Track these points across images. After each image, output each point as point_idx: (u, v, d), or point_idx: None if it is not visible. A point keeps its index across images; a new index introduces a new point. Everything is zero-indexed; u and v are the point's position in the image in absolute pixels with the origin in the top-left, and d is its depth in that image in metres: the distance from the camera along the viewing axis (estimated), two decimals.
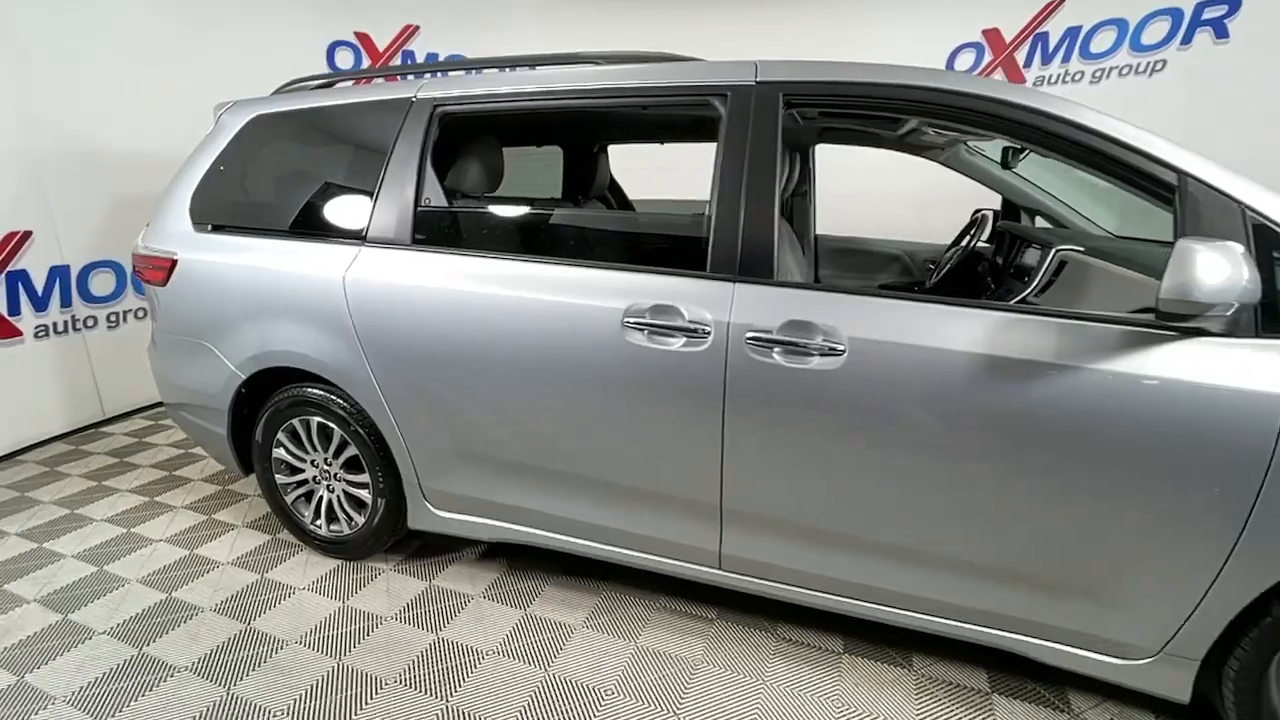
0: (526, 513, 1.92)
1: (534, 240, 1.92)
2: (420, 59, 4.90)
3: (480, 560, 2.27)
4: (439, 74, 2.12)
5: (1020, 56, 4.53)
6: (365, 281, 1.90)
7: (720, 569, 1.75)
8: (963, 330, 1.38)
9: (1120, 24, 4.06)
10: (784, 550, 1.65)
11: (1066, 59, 4.34)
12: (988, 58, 4.64)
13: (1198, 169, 1.28)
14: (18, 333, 3.13)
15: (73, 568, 2.22)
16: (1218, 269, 1.11)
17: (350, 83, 2.28)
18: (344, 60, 4.64)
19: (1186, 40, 3.83)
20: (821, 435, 1.50)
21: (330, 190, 2.07)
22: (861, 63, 1.54)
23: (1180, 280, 1.12)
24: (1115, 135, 1.33)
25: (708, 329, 1.54)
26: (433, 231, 1.90)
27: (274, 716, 1.60)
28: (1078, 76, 4.30)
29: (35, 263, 3.18)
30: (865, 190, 4.02)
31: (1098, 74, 4.21)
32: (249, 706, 1.63)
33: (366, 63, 4.73)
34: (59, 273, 3.29)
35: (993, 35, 4.58)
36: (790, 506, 1.60)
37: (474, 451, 1.90)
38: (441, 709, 1.63)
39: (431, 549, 2.32)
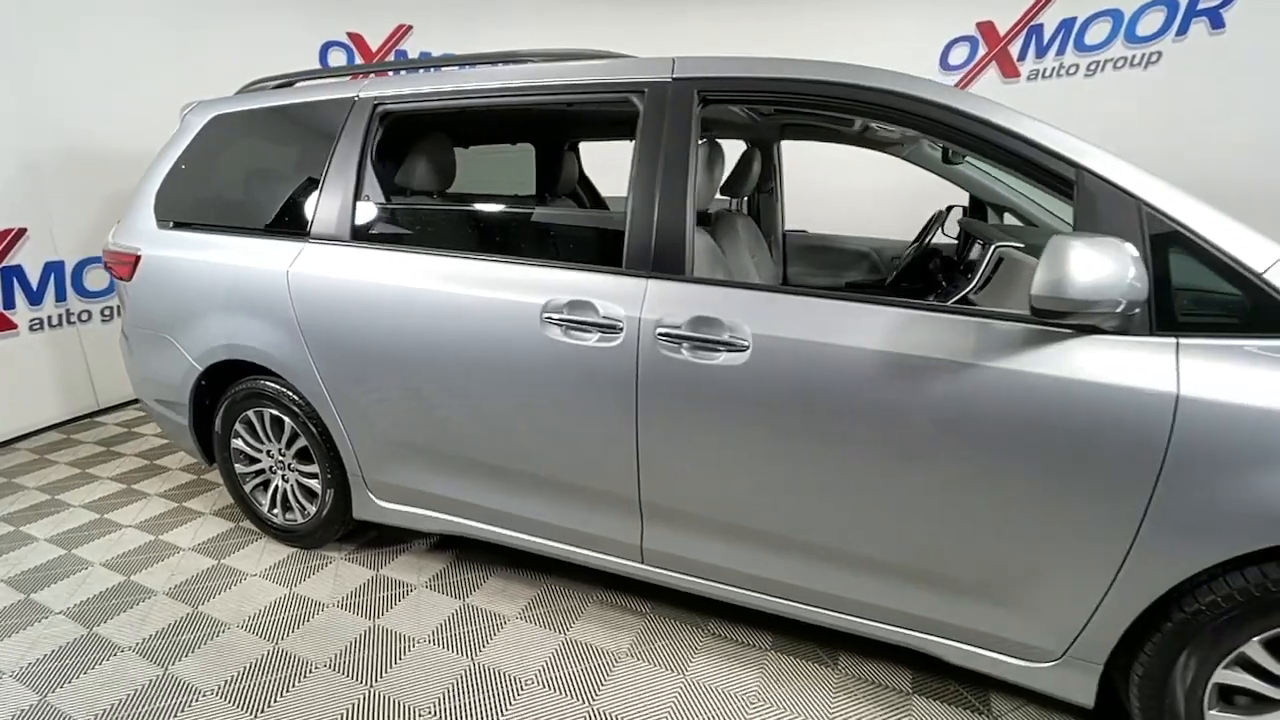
0: (461, 504, 1.96)
1: (463, 237, 1.94)
2: (414, 57, 4.97)
3: (430, 551, 2.31)
4: (401, 72, 2.16)
5: (1014, 49, 4.44)
6: (307, 276, 1.95)
7: (643, 563, 1.76)
8: (863, 327, 1.38)
9: (1115, 15, 3.95)
10: (701, 545, 1.66)
11: (1061, 51, 4.23)
12: (981, 51, 4.56)
13: (1095, 164, 1.25)
14: (13, 326, 3.26)
15: (44, 550, 2.32)
16: (1092, 266, 1.09)
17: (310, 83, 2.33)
18: (337, 60, 4.73)
19: (1182, 31, 3.71)
20: (729, 432, 1.51)
21: (281, 187, 2.12)
22: (777, 58, 1.54)
23: (1052, 277, 1.10)
24: (1016, 130, 1.31)
25: (620, 325, 1.55)
26: (370, 228, 1.94)
27: (204, 696, 1.66)
28: (1072, 70, 4.20)
29: (30, 258, 3.31)
30: (868, 187, 4.00)
31: (1093, 67, 4.11)
32: (182, 686, 1.69)
33: (360, 62, 4.82)
34: (54, 268, 3.42)
35: (987, 28, 4.50)
36: (703, 502, 1.61)
37: (409, 443, 1.94)
38: (365, 693, 1.67)
39: (385, 540, 2.37)
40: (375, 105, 1.95)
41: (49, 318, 3.41)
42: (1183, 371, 1.16)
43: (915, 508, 1.39)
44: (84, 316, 3.57)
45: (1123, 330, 1.21)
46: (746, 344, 1.44)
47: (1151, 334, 1.20)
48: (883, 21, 4.78)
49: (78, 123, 3.41)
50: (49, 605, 2.01)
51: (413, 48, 4.98)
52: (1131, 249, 1.12)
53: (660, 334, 1.51)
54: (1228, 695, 1.29)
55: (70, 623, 1.94)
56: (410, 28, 4.92)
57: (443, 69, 2.05)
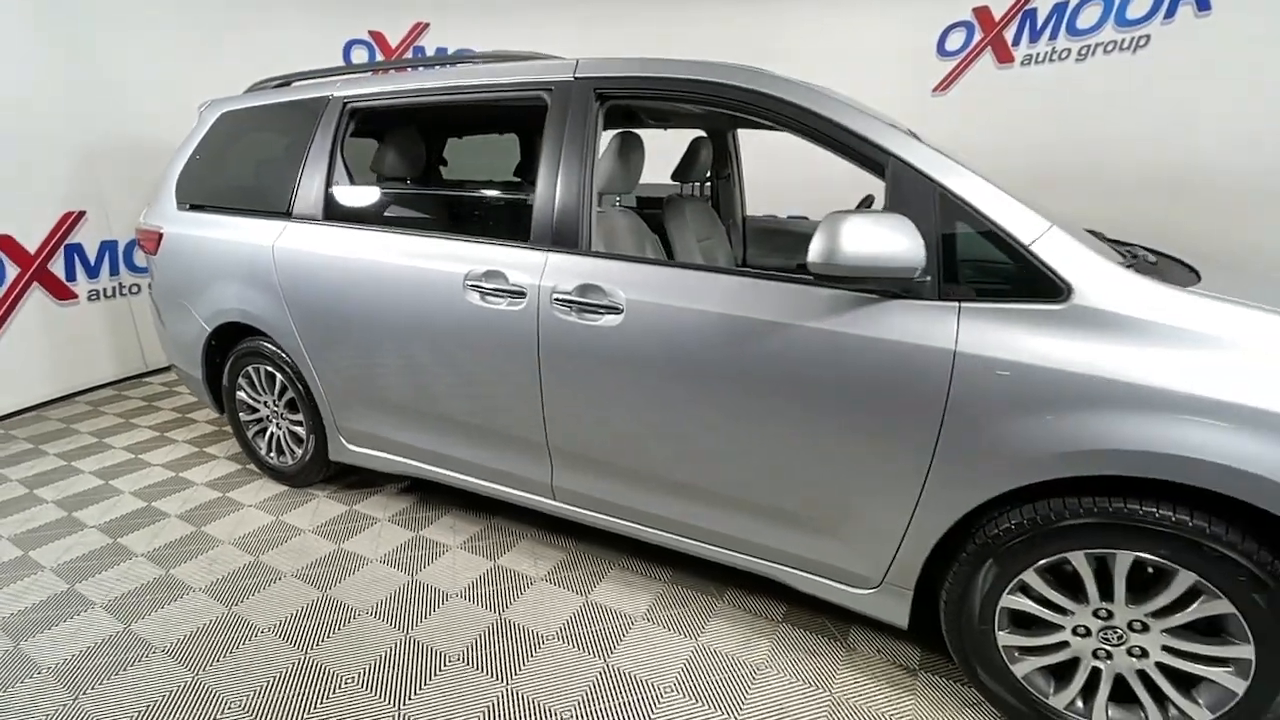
0: (411, 449, 2.27)
1: (408, 216, 2.22)
2: (431, 54, 5.31)
3: (400, 493, 2.65)
4: (380, 72, 2.45)
5: (1009, 35, 4.43)
6: (287, 250, 2.29)
7: (554, 500, 2.03)
8: (715, 293, 1.59)
9: None
10: (599, 484, 1.92)
11: (1054, 36, 4.22)
12: (978, 36, 4.57)
13: (901, 150, 1.43)
14: (74, 296, 3.78)
15: (87, 480, 2.77)
16: (861, 238, 1.28)
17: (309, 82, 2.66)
18: (360, 58, 5.12)
19: (1170, 14, 3.67)
20: (610, 384, 1.75)
21: (273, 174, 2.45)
22: (664, 59, 1.75)
23: (825, 246, 1.30)
24: (842, 122, 1.49)
25: (525, 291, 1.82)
26: (337, 208, 2.26)
27: (192, 591, 2.03)
28: (1064, 54, 4.18)
29: (88, 238, 3.81)
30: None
31: (1084, 51, 4.09)
32: (178, 583, 2.07)
33: (380, 59, 5.19)
34: (108, 246, 3.92)
35: (983, 14, 4.51)
36: (596, 446, 1.86)
37: (368, 395, 2.26)
38: (319, 597, 2.01)
39: (364, 482, 2.72)
40: (345, 103, 2.27)
41: (104, 290, 3.92)
42: (961, 331, 1.35)
43: (756, 451, 1.61)
44: (134, 289, 4.07)
45: (917, 295, 1.39)
46: (622, 307, 1.69)
47: (939, 299, 1.38)
48: (882, 9, 4.84)
49: (129, 119, 3.88)
50: (85, 521, 2.44)
51: (430, 43, 5.32)
52: (907, 224, 1.31)
53: (555, 299, 1.77)
54: (1017, 619, 1.47)
55: (98, 534, 2.35)
56: (427, 25, 5.26)
57: (406, 70, 2.33)
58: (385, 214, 2.31)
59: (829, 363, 1.46)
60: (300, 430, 2.55)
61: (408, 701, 1.61)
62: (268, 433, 2.68)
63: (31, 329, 3.59)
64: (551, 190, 1.82)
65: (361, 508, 2.53)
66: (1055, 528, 1.33)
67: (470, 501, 2.52)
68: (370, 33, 5.11)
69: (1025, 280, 1.33)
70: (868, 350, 1.42)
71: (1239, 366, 1.18)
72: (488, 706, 1.59)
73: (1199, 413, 1.18)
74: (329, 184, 2.26)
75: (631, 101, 1.84)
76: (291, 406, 2.55)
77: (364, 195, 2.26)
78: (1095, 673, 1.41)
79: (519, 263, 1.84)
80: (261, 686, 1.66)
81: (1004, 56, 4.49)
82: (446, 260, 1.96)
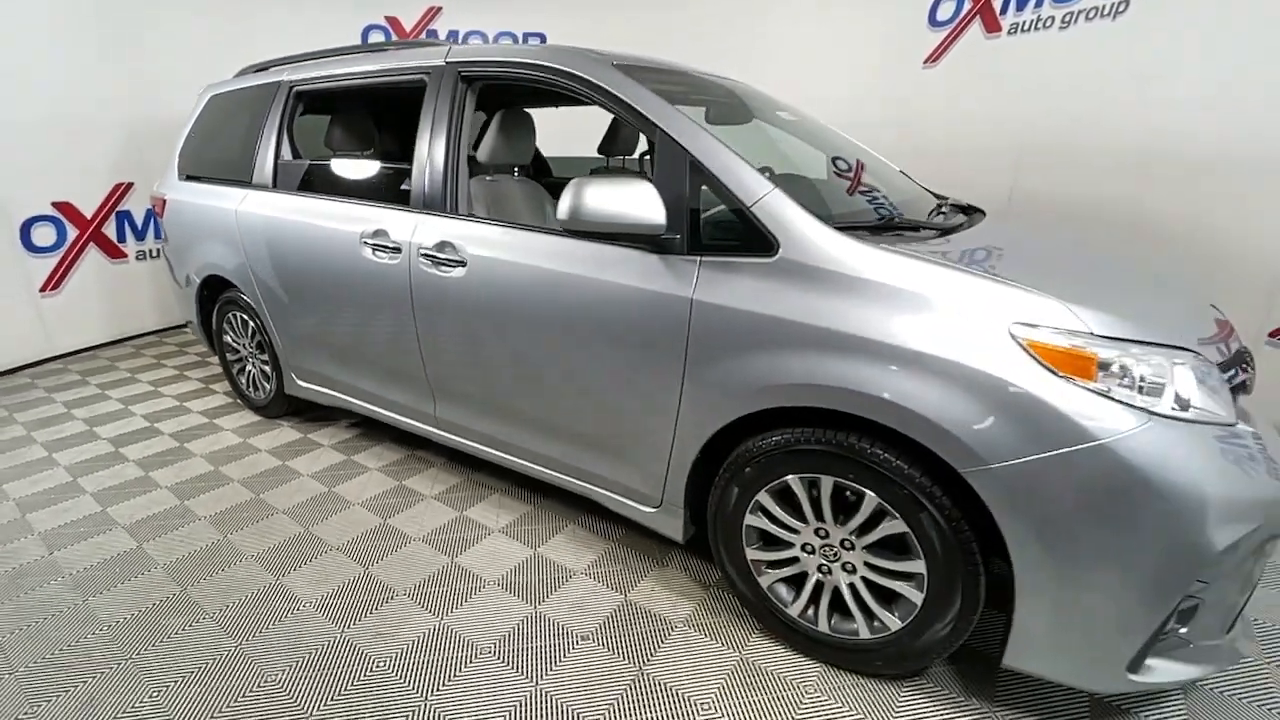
0: (341, 384, 2.67)
1: (328, 184, 2.54)
2: (442, 37, 5.69)
3: (348, 426, 3.07)
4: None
5: (997, 3, 4.31)
6: (246, 213, 2.71)
7: (437, 429, 2.37)
8: (531, 249, 1.86)
9: None
10: (465, 414, 2.24)
11: (1039, 4, 4.08)
12: (966, 6, 4.47)
13: (663, 120, 1.63)
14: (124, 255, 4.44)
15: (112, 405, 3.37)
16: (602, 198, 1.52)
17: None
18: (375, 40, 5.55)
19: None
20: (459, 326, 2.06)
21: (241, 149, 2.88)
22: (516, 46, 2.01)
23: (569, 205, 1.54)
24: (621, 96, 1.71)
25: (400, 248, 2.14)
26: (283, 177, 2.65)
27: (159, 488, 2.52)
28: (1049, 22, 4.05)
29: (136, 206, 4.46)
30: None
31: (1067, 18, 3.95)
32: (150, 481, 2.57)
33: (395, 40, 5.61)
34: (152, 213, 4.56)
35: None
36: (458, 380, 2.18)
37: (305, 336, 2.67)
38: (252, 498, 2.45)
39: (322, 418, 3.16)
40: (291, 87, 2.65)
41: (149, 251, 4.57)
42: (699, 281, 1.56)
43: (566, 384, 1.88)
44: None
45: (670, 250, 1.61)
46: (466, 261, 1.98)
47: (686, 254, 1.59)
48: None
49: (170, 101, 4.46)
50: (100, 434, 3.02)
51: (442, 27, 5.70)
52: (647, 187, 1.53)
53: (420, 254, 2.09)
54: (765, 538, 1.68)
55: (106, 444, 2.91)
56: (439, 9, 5.63)
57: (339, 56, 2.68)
58: (317, 183, 2.67)
59: (610, 308, 1.71)
60: (268, 368, 3.02)
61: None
62: (246, 370, 3.17)
63: (89, 283, 4.27)
64: (424, 161, 2.12)
65: (315, 436, 2.98)
66: (774, 454, 1.54)
67: (400, 435, 2.91)
68: (386, 18, 5.54)
69: (748, 237, 1.52)
70: (634, 297, 1.66)
71: (901, 311, 1.34)
72: (419, 635, 1.76)
73: (862, 352, 1.35)
74: (278, 157, 2.66)
75: (489, 82, 2.10)
76: (260, 348, 3.01)
77: (301, 167, 2.64)
78: (820, 585, 1.62)
79: (398, 223, 2.17)
80: (184, 555, 2.11)
81: (992, 26, 4.38)
82: (351, 221, 2.31)
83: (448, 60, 2.12)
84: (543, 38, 5.84)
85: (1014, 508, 1.26)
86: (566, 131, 3.43)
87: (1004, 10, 4.29)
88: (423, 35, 5.65)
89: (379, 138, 2.80)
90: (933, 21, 4.69)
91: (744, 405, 1.54)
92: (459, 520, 2.30)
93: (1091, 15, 3.81)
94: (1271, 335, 2.91)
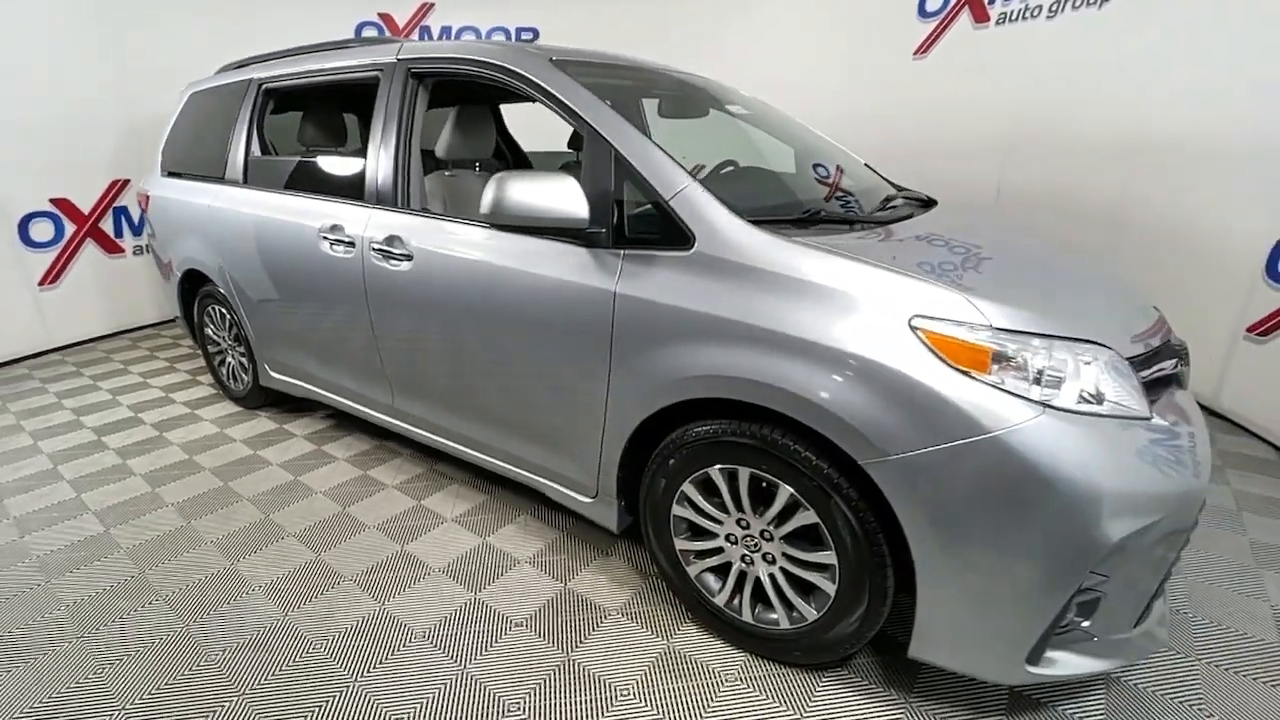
0: (309, 375, 2.73)
1: (291, 179, 2.59)
2: (435, 33, 5.73)
3: (324, 418, 3.14)
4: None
5: None
6: (220, 209, 2.78)
7: (396, 419, 2.42)
8: (467, 242, 1.89)
9: None
10: (419, 405, 2.28)
11: None
12: None
13: (591, 116, 1.65)
14: (122, 250, 4.56)
15: (102, 395, 3.47)
16: (523, 192, 1.54)
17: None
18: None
19: None
20: (407, 318, 2.10)
21: (213, 145, 2.94)
22: (461, 43, 2.03)
23: (492, 198, 1.56)
24: (552, 91, 1.72)
25: (354, 242, 2.18)
26: (252, 173, 2.71)
27: (134, 475, 2.60)
28: (1036, 12, 3.98)
29: (133, 202, 4.57)
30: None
31: (1053, 8, 3.88)
32: (125, 469, 2.66)
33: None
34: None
35: None
36: (411, 371, 2.22)
37: (273, 329, 2.73)
38: (219, 485, 2.52)
39: (299, 409, 3.23)
40: (260, 84, 2.70)
41: (145, 246, 4.68)
42: (622, 274, 1.58)
43: (504, 376, 1.91)
44: None
45: (597, 244, 1.63)
46: (413, 254, 2.02)
47: (611, 247, 1.61)
48: None
49: (167, 99, 4.54)
50: (85, 424, 3.11)
51: (434, 23, 5.74)
52: (570, 182, 1.55)
53: (372, 247, 2.13)
54: (693, 529, 1.70)
55: (90, 433, 3.00)
56: (432, 5, 5.67)
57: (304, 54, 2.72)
58: (282, 180, 2.72)
59: (541, 300, 1.73)
60: (245, 360, 3.09)
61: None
62: (226, 362, 3.25)
63: (87, 277, 4.39)
64: (377, 156, 2.16)
65: (290, 427, 3.05)
66: (696, 446, 1.55)
67: (369, 427, 2.96)
68: (379, 15, 5.59)
69: (668, 231, 1.54)
70: (562, 290, 1.68)
71: (806, 304, 1.35)
72: (359, 619, 1.79)
73: (766, 344, 1.37)
74: (248, 153, 2.71)
75: (438, 79, 2.12)
76: (238, 340, 3.08)
77: (270, 163, 2.70)
78: (743, 575, 1.63)
79: (352, 218, 2.21)
80: (147, 540, 2.18)
81: (980, 16, 4.31)
82: (310, 216, 2.36)
83: (399, 57, 2.15)
84: (535, 33, 5.87)
85: (912, 499, 1.26)
86: (561, 127, 3.46)
87: (992, 0, 4.22)
88: (415, 30, 5.70)
89: (348, 134, 2.85)
90: (922, 12, 4.63)
91: (665, 397, 1.56)
92: (415, 509, 2.34)
93: (1078, 4, 3.74)
94: (1249, 330, 2.85)
